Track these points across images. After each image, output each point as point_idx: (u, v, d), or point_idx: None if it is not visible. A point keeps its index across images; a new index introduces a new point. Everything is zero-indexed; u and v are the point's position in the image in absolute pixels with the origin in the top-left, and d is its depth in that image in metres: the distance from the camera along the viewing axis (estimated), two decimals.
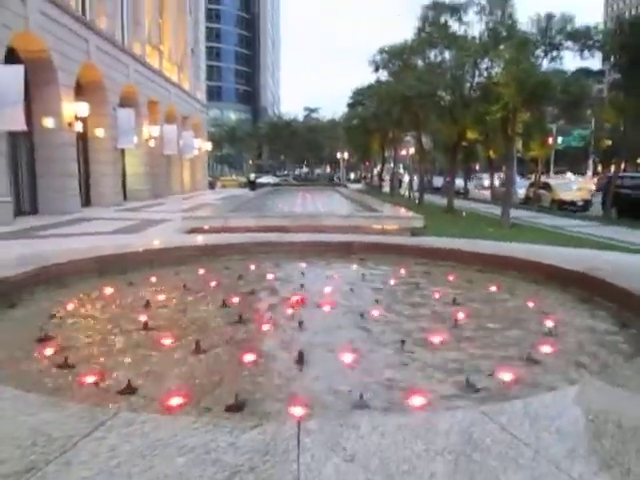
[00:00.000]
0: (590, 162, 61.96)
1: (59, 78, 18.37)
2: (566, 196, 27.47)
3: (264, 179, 61.43)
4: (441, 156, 42.09)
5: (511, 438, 2.07)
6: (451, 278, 6.21)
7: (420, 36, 23.52)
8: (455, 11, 22.06)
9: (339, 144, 60.09)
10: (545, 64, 17.30)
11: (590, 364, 3.56)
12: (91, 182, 23.21)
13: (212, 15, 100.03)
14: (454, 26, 22.69)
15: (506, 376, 3.27)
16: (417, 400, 2.90)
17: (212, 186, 50.51)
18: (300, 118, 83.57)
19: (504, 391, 3.12)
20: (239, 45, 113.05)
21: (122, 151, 25.64)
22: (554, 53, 16.88)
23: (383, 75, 29.21)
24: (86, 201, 22.20)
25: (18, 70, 14.67)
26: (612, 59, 19.05)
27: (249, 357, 3.58)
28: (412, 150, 43.27)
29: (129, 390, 3.06)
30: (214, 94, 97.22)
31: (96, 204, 22.81)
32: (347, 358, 3.61)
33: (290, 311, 4.76)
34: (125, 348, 3.85)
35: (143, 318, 4.36)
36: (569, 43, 16.40)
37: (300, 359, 3.53)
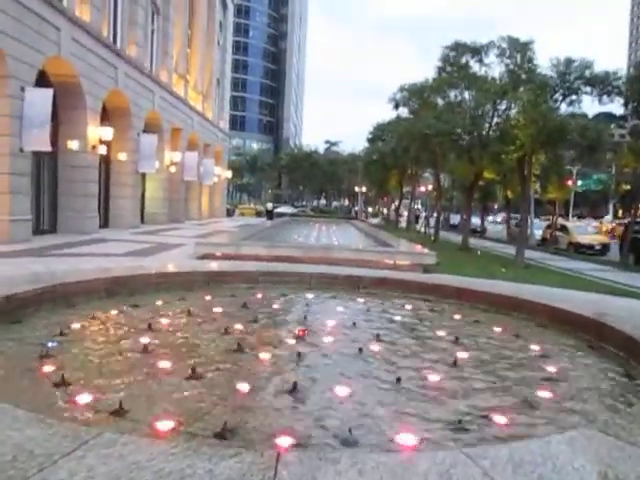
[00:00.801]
0: (610, 206, 61.54)
1: (87, 102, 18.92)
2: (583, 239, 27.22)
3: (282, 209, 61.94)
4: (459, 194, 42.16)
5: None
6: (457, 316, 6.18)
7: (441, 75, 23.85)
8: (476, 52, 22.39)
9: (358, 178, 60.52)
10: (564, 107, 17.41)
11: (586, 413, 3.50)
12: (110, 204, 23.62)
13: (240, 47, 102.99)
14: (475, 67, 23.03)
15: (500, 420, 3.23)
16: (405, 438, 2.87)
17: (230, 213, 51.04)
18: (321, 151, 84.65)
19: (495, 434, 3.08)
20: (265, 77, 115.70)
21: (143, 175, 26.13)
22: (573, 97, 16.99)
23: (403, 112, 29.64)
24: (104, 222, 22.56)
25: (47, 93, 15.18)
26: (631, 105, 19.07)
27: (243, 385, 3.59)
28: (430, 187, 43.43)
29: (120, 412, 3.07)
30: (238, 123, 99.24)
31: (113, 226, 23.17)
32: (341, 392, 3.59)
33: (290, 342, 4.76)
34: (122, 370, 3.88)
35: (144, 341, 4.40)
36: (588, 88, 16.52)
37: (294, 390, 3.53)
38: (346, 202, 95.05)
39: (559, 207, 35.02)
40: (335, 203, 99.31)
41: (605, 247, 26.77)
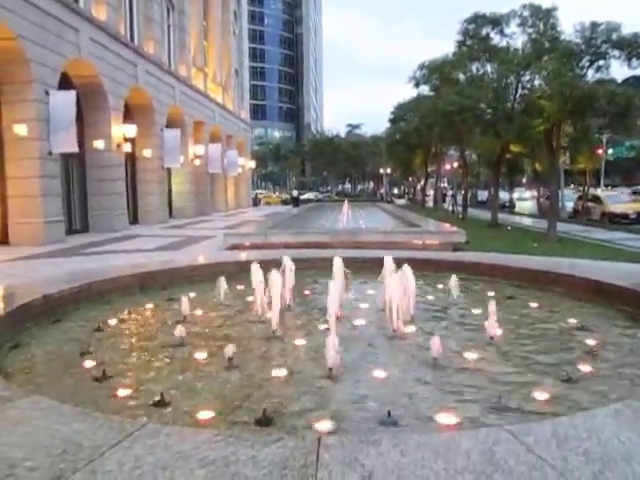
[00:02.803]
0: None
1: (109, 102, 19.16)
2: (617, 208, 26.48)
3: (307, 195, 61.90)
4: (485, 169, 41.45)
5: (536, 459, 2.02)
6: (490, 294, 6.10)
7: (461, 50, 23.33)
8: (497, 24, 21.81)
9: (382, 160, 60.02)
10: (591, 74, 16.82)
11: (631, 386, 3.43)
12: (139, 201, 23.98)
13: (256, 36, 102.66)
14: (496, 39, 22.44)
15: (541, 396, 3.19)
16: (444, 418, 2.86)
17: (256, 203, 51.30)
18: (342, 134, 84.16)
19: (537, 410, 3.04)
20: (282, 64, 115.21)
21: (168, 170, 26.41)
22: (600, 62, 16.40)
23: (424, 90, 29.12)
24: (134, 219, 22.93)
25: (71, 95, 15.42)
26: None
27: (280, 372, 3.62)
28: (456, 164, 42.82)
29: (162, 403, 3.14)
30: (258, 113, 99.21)
31: (143, 222, 23.53)
32: (378, 373, 3.59)
33: (323, 326, 4.77)
34: (161, 362, 3.95)
35: (179, 333, 4.46)
36: (616, 52, 15.91)
37: (330, 374, 3.55)
38: (371, 185, 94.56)
39: (590, 177, 34.13)
40: (360, 187, 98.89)
41: None
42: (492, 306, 4.37)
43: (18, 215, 14.96)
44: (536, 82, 18.94)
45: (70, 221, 18.42)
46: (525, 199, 40.60)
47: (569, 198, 32.66)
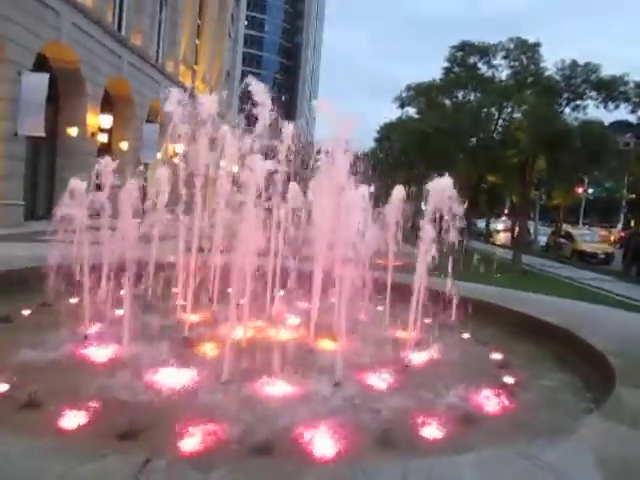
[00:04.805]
0: (622, 215, 60.64)
1: (87, 89, 18.81)
2: (587, 247, 26.80)
3: None
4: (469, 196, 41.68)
5: None
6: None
7: (448, 76, 23.54)
8: (484, 54, 22.05)
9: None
10: (568, 112, 17.01)
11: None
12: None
13: (255, 42, 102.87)
14: (483, 68, 22.70)
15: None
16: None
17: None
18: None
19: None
20: (279, 72, 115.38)
21: (145, 165, 26.01)
22: (578, 102, 16.60)
23: (411, 111, 29.27)
24: None
25: (43, 78, 15.08)
26: None
27: None
28: None
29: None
30: (249, 118, 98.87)
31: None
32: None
33: None
34: None
35: None
36: (593, 93, 16.12)
37: None
38: None
39: (566, 214, 34.56)
40: None
41: (609, 256, 26.30)
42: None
43: None
44: (516, 114, 19.13)
45: (34, 206, 17.94)
46: (499, 230, 40.93)
47: (543, 232, 33.00)
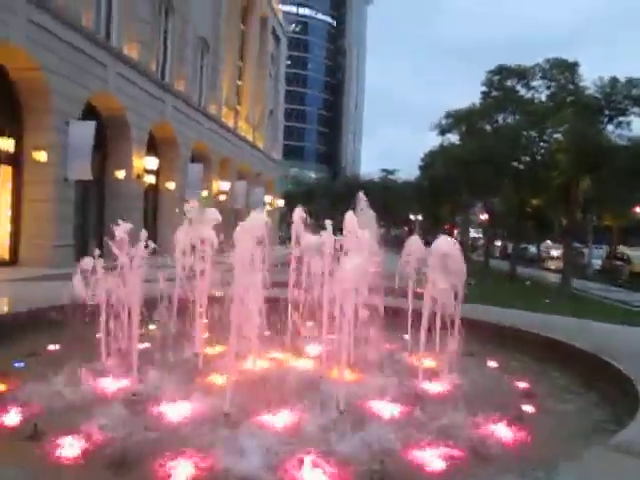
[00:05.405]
0: None
1: (132, 134, 19.75)
2: None
3: None
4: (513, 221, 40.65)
5: None
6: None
7: (486, 100, 23.35)
8: (522, 77, 21.80)
9: (411, 206, 59.87)
10: (610, 129, 16.46)
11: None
12: (158, 231, 24.31)
13: (299, 80, 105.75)
14: (521, 91, 22.41)
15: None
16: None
17: (283, 241, 51.38)
18: (377, 179, 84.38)
19: None
20: (323, 108, 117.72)
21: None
22: (620, 118, 16.06)
23: (453, 138, 29.09)
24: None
25: (89, 126, 15.97)
26: None
27: None
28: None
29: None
30: (296, 153, 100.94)
31: (164, 251, 23.73)
32: None
33: None
34: None
35: None
36: (636, 108, 15.58)
37: None
38: (406, 230, 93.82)
39: (623, 235, 33.10)
40: (395, 232, 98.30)
41: None
42: None
43: (29, 236, 15.38)
44: (556, 135, 18.69)
45: (85, 247, 18.74)
46: (552, 257, 39.47)
47: (597, 255, 31.66)
